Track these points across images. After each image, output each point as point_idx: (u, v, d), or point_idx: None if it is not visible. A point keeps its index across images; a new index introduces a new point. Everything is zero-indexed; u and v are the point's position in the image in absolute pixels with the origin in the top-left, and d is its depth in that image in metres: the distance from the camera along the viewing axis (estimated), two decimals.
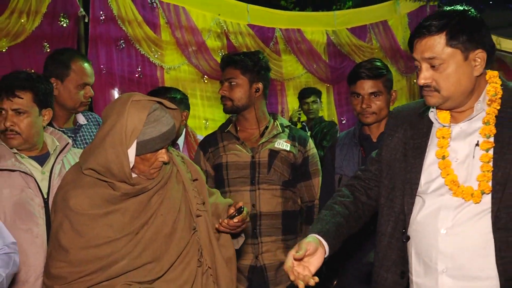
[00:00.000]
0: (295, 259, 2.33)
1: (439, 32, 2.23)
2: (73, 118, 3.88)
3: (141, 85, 5.77)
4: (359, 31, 8.32)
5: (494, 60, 2.37)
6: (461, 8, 2.29)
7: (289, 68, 7.66)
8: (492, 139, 2.26)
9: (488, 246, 2.20)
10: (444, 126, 2.36)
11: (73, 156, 3.49)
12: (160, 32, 6.09)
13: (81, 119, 3.89)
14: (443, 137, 2.35)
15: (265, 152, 3.68)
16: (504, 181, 2.20)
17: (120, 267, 2.74)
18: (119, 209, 2.77)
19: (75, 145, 3.71)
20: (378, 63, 3.53)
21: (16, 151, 3.28)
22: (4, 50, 4.98)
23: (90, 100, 3.84)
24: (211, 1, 6.57)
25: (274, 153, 3.65)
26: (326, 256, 2.43)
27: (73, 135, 3.79)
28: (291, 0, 8.80)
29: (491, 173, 2.22)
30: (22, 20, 5.01)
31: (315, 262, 2.36)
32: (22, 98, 3.18)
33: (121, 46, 5.72)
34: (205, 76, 6.63)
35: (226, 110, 3.83)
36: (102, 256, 2.75)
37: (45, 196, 3.29)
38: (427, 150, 2.40)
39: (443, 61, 2.24)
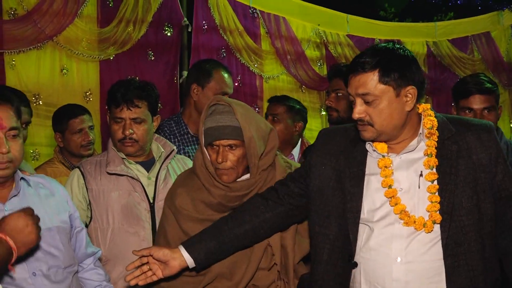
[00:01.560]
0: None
1: (372, 69, 2.30)
2: None
3: (240, 94, 5.81)
4: (461, 43, 8.07)
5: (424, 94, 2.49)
6: (392, 46, 2.37)
7: None
8: (434, 170, 2.36)
9: (440, 273, 2.33)
10: (384, 156, 2.42)
11: (177, 162, 3.55)
12: (260, 42, 6.13)
13: None
14: (386, 167, 2.40)
15: None
16: (450, 211, 2.31)
17: (215, 268, 2.81)
18: (217, 218, 2.81)
19: (184, 151, 3.79)
20: (487, 77, 3.47)
21: (124, 156, 3.36)
22: (111, 58, 5.12)
23: None
24: (311, 11, 6.54)
25: None
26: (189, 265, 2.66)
27: None
28: (391, 11, 8.65)
29: (439, 203, 2.33)
30: (129, 29, 5.14)
31: (166, 271, 2.64)
32: (140, 108, 3.27)
33: (222, 55, 5.79)
34: (303, 86, 6.61)
35: (331, 121, 3.80)
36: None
37: (151, 201, 3.35)
38: (365, 179, 2.45)
39: (376, 97, 2.32)
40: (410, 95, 2.33)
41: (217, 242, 2.68)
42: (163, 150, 3.49)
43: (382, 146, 2.43)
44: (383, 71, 2.30)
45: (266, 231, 2.72)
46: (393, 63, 2.31)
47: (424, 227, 2.32)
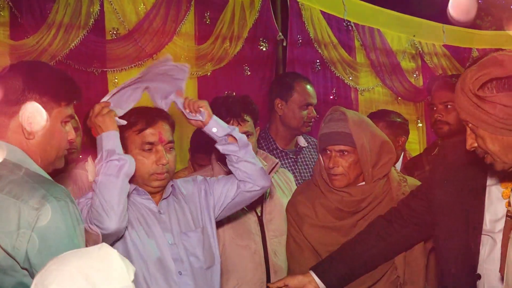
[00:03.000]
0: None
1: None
2: (295, 141, 4.00)
3: None
4: None
5: None
6: None
7: None
8: None
9: None
10: None
11: (279, 175, 3.55)
12: (355, 54, 6.08)
13: (302, 141, 4.01)
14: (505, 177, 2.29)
15: None
16: None
17: None
18: (337, 226, 2.93)
19: (296, 166, 3.83)
20: None
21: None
22: (208, 74, 5.20)
23: (312, 120, 3.93)
24: (406, 22, 6.44)
25: None
26: None
27: (294, 157, 3.90)
28: (487, 19, 8.40)
29: None
30: (225, 45, 5.21)
31: None
32: (248, 122, 3.31)
33: (317, 68, 5.78)
34: (399, 98, 6.50)
35: (441, 134, 3.72)
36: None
37: (259, 214, 3.36)
38: (486, 190, 2.35)
39: None
40: None
41: (348, 268, 2.74)
42: (265, 163, 3.50)
43: None
44: None
45: (395, 252, 2.77)
46: None
47: None
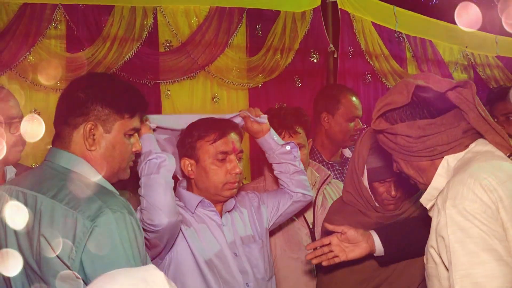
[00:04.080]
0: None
1: None
2: (340, 152, 3.97)
3: None
4: None
5: None
6: None
7: None
8: None
9: None
10: None
11: (331, 187, 3.53)
12: (406, 66, 6.02)
13: (347, 152, 3.98)
14: None
15: None
16: None
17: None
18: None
19: (343, 178, 3.77)
20: None
21: None
22: (260, 85, 5.21)
23: (358, 133, 3.90)
24: (458, 34, 6.35)
25: None
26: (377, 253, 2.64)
27: (340, 168, 3.86)
28: None
29: None
30: (277, 57, 5.21)
31: (353, 253, 2.64)
32: (300, 133, 3.31)
33: (368, 80, 5.74)
34: None
35: None
36: (364, 280, 2.88)
37: (311, 226, 3.34)
38: None
39: None
40: None
41: (407, 243, 2.67)
42: (318, 175, 3.49)
43: None
44: None
45: None
46: None
47: None
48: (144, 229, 2.49)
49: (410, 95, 2.06)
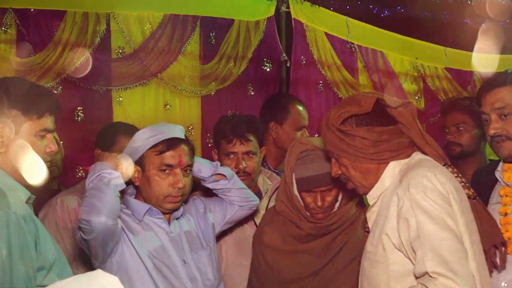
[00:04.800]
0: None
1: (509, 84, 2.49)
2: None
3: None
4: None
5: None
6: None
7: None
8: None
9: None
10: (507, 185, 2.56)
11: None
12: (357, 76, 6.10)
13: None
14: (506, 195, 2.55)
15: None
16: None
17: None
18: (306, 248, 2.93)
19: None
20: None
21: None
22: (212, 93, 5.22)
23: None
24: (409, 45, 6.47)
25: None
26: None
27: None
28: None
29: None
30: (230, 65, 5.24)
31: None
32: (251, 141, 3.35)
33: (320, 89, 5.80)
34: None
35: (454, 155, 3.76)
36: None
37: None
38: (491, 207, 2.62)
39: None
40: None
41: None
42: (270, 183, 3.53)
43: (509, 176, 2.55)
44: None
45: None
46: None
47: None
48: (80, 228, 2.54)
49: (372, 105, 2.30)
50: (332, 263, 2.93)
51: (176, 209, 2.88)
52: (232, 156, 3.37)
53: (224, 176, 3.05)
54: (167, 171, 2.78)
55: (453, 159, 3.86)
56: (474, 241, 2.23)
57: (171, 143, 2.80)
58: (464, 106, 3.80)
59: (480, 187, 2.68)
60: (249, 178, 3.38)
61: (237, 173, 3.33)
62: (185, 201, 3.01)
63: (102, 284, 1.59)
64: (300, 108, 4.05)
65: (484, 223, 2.36)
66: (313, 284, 2.90)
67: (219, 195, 3.08)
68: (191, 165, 2.86)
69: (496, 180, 2.66)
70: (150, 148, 2.80)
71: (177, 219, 2.90)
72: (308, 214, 2.93)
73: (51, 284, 1.59)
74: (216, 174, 3.03)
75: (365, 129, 2.31)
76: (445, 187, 2.19)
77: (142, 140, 2.81)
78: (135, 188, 2.92)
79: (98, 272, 1.64)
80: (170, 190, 2.78)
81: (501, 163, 2.66)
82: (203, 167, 3.01)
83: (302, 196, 2.93)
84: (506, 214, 2.51)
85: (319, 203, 2.87)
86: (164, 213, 2.86)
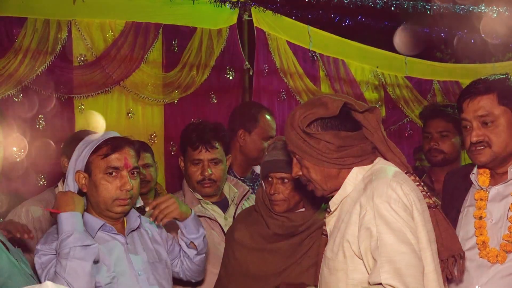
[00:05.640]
0: None
1: (491, 92, 2.48)
2: (251, 169, 4.04)
3: None
4: None
5: None
6: (505, 75, 2.57)
7: None
8: None
9: None
10: (482, 189, 2.60)
11: (250, 203, 3.60)
12: (319, 84, 6.17)
13: (258, 168, 4.03)
14: (481, 199, 2.58)
15: None
16: None
17: None
18: (273, 248, 2.98)
19: (253, 193, 3.83)
20: None
21: (200, 197, 3.43)
22: (175, 101, 5.22)
23: None
24: (370, 54, 6.58)
25: None
26: None
27: (251, 184, 3.91)
28: (447, 52, 8.63)
29: None
30: (193, 73, 5.25)
31: None
32: (217, 148, 3.36)
33: (283, 97, 5.85)
34: None
35: (435, 162, 3.82)
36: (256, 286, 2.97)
37: None
38: (465, 210, 2.66)
39: (495, 118, 2.48)
40: None
41: None
42: (236, 190, 3.55)
43: (483, 180, 2.58)
44: (501, 93, 2.47)
45: None
46: (509, 87, 2.50)
47: (496, 258, 2.46)
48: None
49: (339, 109, 2.28)
50: (296, 265, 2.95)
51: (126, 212, 2.83)
52: (198, 163, 3.38)
53: (195, 247, 3.00)
54: (113, 174, 2.71)
55: (434, 165, 3.93)
56: (434, 250, 2.26)
57: (115, 145, 2.73)
58: (448, 114, 3.84)
59: (453, 190, 2.75)
60: (214, 186, 3.40)
61: (202, 180, 3.34)
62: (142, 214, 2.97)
63: None
64: (269, 118, 4.07)
65: (443, 233, 2.36)
66: (276, 283, 2.92)
67: (181, 246, 3.06)
68: (137, 168, 2.80)
69: (471, 183, 2.68)
70: (94, 152, 2.72)
71: (133, 231, 2.86)
72: (269, 204, 2.98)
73: None
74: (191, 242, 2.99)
75: (332, 133, 2.29)
76: (409, 198, 2.20)
77: (86, 145, 2.76)
78: (83, 195, 2.82)
79: (47, 285, 1.61)
80: (118, 193, 2.71)
81: (476, 168, 2.67)
82: (190, 227, 2.96)
83: (266, 186, 2.98)
84: (480, 217, 2.54)
85: (272, 191, 2.91)
86: (117, 224, 2.80)
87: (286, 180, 2.91)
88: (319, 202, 2.94)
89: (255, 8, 5.56)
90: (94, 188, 2.71)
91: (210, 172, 3.36)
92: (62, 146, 3.68)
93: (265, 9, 5.63)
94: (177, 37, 5.25)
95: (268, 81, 5.75)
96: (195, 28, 5.30)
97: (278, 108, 5.79)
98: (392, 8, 6.40)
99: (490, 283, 2.46)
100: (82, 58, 4.79)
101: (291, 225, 2.96)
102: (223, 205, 3.51)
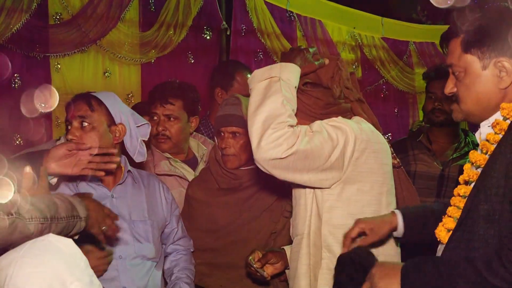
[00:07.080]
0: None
1: (455, 36, 2.00)
2: None
3: None
4: None
5: None
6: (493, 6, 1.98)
7: (422, 82, 7.48)
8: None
9: None
10: None
11: None
12: (296, 44, 6.14)
13: None
14: None
15: (456, 168, 3.66)
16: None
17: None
18: (221, 201, 3.09)
19: None
20: None
21: (169, 156, 3.46)
22: (152, 61, 5.21)
23: None
24: (346, 14, 6.56)
25: None
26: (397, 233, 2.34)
27: None
28: (424, 13, 8.62)
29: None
30: (170, 33, 5.22)
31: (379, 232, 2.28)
32: (173, 105, 3.40)
33: (260, 58, 5.85)
34: None
35: (437, 122, 3.82)
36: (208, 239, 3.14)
37: None
38: None
39: (460, 70, 2.01)
40: (504, 69, 1.92)
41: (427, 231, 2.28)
42: (205, 148, 3.59)
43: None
44: (466, 37, 1.96)
45: None
46: (482, 28, 1.93)
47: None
48: None
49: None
50: (242, 219, 3.06)
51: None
52: (154, 118, 3.42)
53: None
54: (69, 127, 2.74)
55: (434, 125, 3.95)
56: (390, 203, 2.41)
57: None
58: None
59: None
60: (169, 142, 3.45)
61: (157, 135, 3.38)
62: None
63: (59, 247, 1.60)
64: (248, 75, 4.07)
65: (404, 191, 2.49)
66: (224, 233, 3.06)
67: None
68: (83, 116, 2.73)
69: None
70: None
71: (120, 184, 2.90)
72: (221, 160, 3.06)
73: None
74: None
75: (322, 90, 2.51)
76: (363, 133, 2.41)
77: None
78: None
79: (51, 237, 1.64)
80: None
81: None
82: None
83: (218, 141, 3.07)
84: None
85: (223, 145, 2.98)
86: (106, 177, 2.81)
87: (237, 134, 2.98)
88: None
89: None
90: None
91: (162, 127, 3.41)
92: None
93: None
94: None
95: (245, 41, 5.74)
96: None
97: (255, 68, 5.74)
98: None
99: None
100: (58, 17, 4.75)
101: (238, 182, 3.05)
102: (193, 163, 3.56)
